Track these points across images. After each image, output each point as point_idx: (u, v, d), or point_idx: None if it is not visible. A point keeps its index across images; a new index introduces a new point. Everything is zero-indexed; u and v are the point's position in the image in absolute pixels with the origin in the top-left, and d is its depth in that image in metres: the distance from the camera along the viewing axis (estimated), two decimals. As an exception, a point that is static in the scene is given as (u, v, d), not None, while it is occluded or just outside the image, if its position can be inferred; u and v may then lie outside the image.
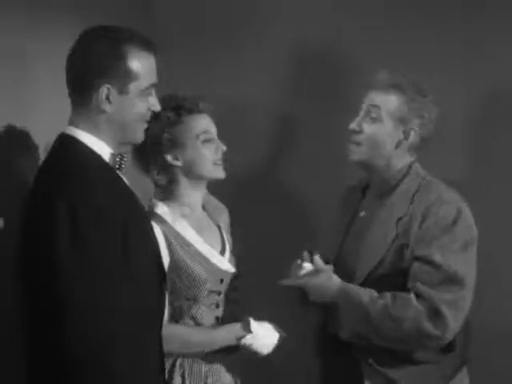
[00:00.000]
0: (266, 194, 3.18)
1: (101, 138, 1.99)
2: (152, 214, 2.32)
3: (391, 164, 2.44)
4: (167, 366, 2.27)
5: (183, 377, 2.32)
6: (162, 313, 2.10)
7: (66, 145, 1.98)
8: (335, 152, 2.82)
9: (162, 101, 2.13)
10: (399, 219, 2.36)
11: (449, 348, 2.33)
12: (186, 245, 2.34)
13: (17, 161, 2.40)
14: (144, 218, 2.08)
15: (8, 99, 2.35)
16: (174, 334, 2.28)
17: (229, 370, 2.39)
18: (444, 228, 2.30)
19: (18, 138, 2.38)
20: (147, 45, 2.00)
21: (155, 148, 2.36)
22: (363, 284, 2.35)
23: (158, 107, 2.06)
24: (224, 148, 2.40)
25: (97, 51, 1.95)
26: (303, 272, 2.39)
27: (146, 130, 2.09)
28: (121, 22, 2.05)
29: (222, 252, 2.43)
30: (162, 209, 2.36)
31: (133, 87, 1.97)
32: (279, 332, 2.39)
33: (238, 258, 2.48)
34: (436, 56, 2.91)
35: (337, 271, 2.40)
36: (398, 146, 2.42)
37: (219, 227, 2.49)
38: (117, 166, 2.01)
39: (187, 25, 3.22)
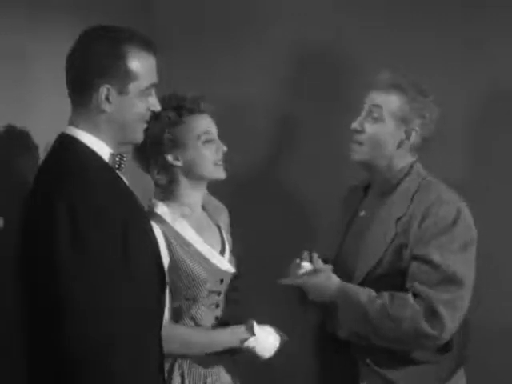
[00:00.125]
0: (266, 194, 3.18)
1: (101, 138, 1.99)
2: (152, 214, 2.32)
3: (393, 164, 2.44)
4: (166, 366, 2.27)
5: (182, 377, 2.32)
6: (161, 313, 2.09)
7: (66, 145, 1.98)
8: (335, 152, 2.83)
9: (162, 101, 2.13)
10: (399, 219, 2.36)
11: (446, 348, 2.33)
12: (186, 245, 2.34)
13: (17, 161, 2.39)
14: (144, 217, 2.08)
15: (8, 99, 2.35)
16: (176, 334, 2.28)
17: (228, 370, 2.39)
18: (443, 228, 2.31)
19: (18, 138, 2.38)
20: (147, 45, 2.00)
21: (156, 148, 2.36)
22: (362, 284, 2.35)
23: (157, 107, 2.06)
24: (225, 148, 2.40)
25: (97, 51, 1.95)
26: (302, 271, 2.40)
27: (146, 130, 2.09)
28: (121, 22, 2.05)
29: (222, 252, 2.43)
30: (161, 209, 2.36)
31: (132, 87, 1.97)
32: (281, 336, 2.39)
33: (238, 258, 2.48)
34: (436, 56, 2.91)
35: (336, 271, 2.40)
36: (399, 146, 2.42)
37: (219, 227, 2.49)
38: (116, 166, 2.01)
39: (187, 25, 3.22)
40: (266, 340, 2.34)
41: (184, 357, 2.31)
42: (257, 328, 2.33)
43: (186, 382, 2.32)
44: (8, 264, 2.05)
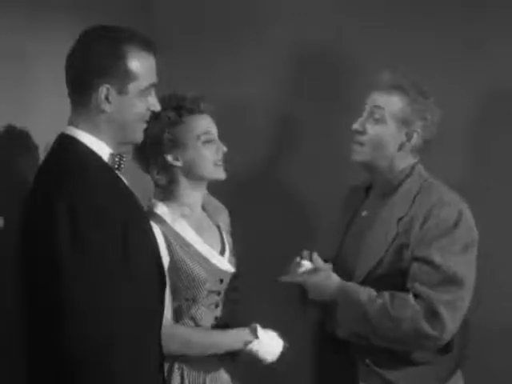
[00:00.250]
0: (266, 194, 3.18)
1: (100, 138, 1.99)
2: (151, 214, 2.32)
3: (394, 165, 2.44)
4: (166, 366, 2.27)
5: (182, 377, 2.32)
6: (161, 313, 2.09)
7: (66, 145, 1.98)
8: (335, 152, 2.83)
9: (162, 101, 2.13)
10: (400, 219, 2.36)
11: (446, 349, 2.33)
12: (186, 245, 2.34)
13: (17, 161, 2.39)
14: (143, 218, 2.08)
15: (8, 99, 2.35)
16: (176, 334, 2.28)
17: (228, 371, 2.39)
18: (445, 230, 2.31)
19: (18, 138, 2.38)
20: (147, 45, 2.00)
21: (155, 148, 2.36)
22: (363, 283, 2.35)
23: (157, 107, 2.06)
24: (225, 149, 2.40)
25: (96, 51, 1.95)
26: (302, 270, 2.40)
27: (146, 130, 2.09)
28: (121, 22, 2.05)
29: (222, 252, 2.43)
30: (161, 209, 2.36)
31: (132, 87, 1.97)
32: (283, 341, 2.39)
33: (238, 258, 2.48)
34: (436, 56, 2.90)
35: (336, 270, 2.40)
36: (400, 148, 2.42)
37: (219, 227, 2.49)
38: (116, 166, 2.01)
39: (187, 25, 3.22)
40: (269, 344, 2.34)
41: (184, 357, 2.31)
42: (261, 331, 2.33)
43: (186, 382, 2.32)
44: (8, 264, 2.05)
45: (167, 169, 2.38)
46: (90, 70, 1.95)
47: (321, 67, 3.10)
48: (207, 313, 2.36)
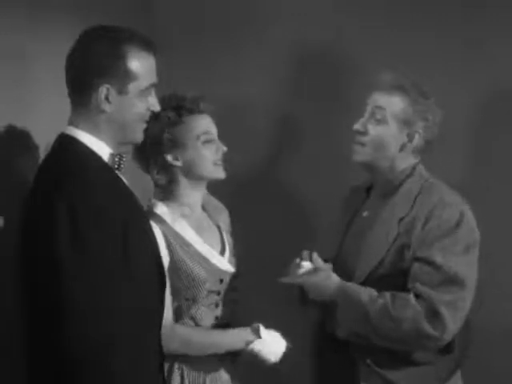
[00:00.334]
0: (266, 194, 3.18)
1: (100, 138, 1.99)
2: (151, 214, 2.32)
3: (395, 165, 2.44)
4: (166, 366, 2.27)
5: (182, 377, 2.32)
6: (161, 313, 2.09)
7: (66, 145, 1.98)
8: (335, 152, 2.83)
9: (162, 101, 2.13)
10: (401, 219, 2.36)
11: (447, 349, 2.33)
12: (186, 245, 2.34)
13: (17, 161, 2.40)
14: (143, 218, 2.08)
15: (8, 99, 2.35)
16: (176, 334, 2.28)
17: (228, 371, 2.39)
18: (447, 231, 2.30)
19: (18, 138, 2.38)
20: (147, 45, 2.00)
21: (155, 148, 2.36)
22: (363, 283, 2.35)
23: (157, 107, 2.06)
24: (224, 148, 2.40)
25: (96, 51, 1.95)
26: (302, 270, 2.39)
27: (146, 130, 2.09)
28: (121, 22, 2.05)
29: (222, 252, 2.43)
30: (161, 209, 2.36)
31: (132, 87, 1.97)
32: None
33: (238, 258, 2.48)
34: (436, 56, 2.90)
35: (336, 270, 2.40)
36: (402, 148, 2.42)
37: (219, 227, 2.49)
38: (116, 166, 2.01)
39: (187, 25, 3.22)
40: (272, 344, 2.33)
41: (184, 357, 2.31)
42: (263, 331, 2.33)
43: (186, 382, 2.32)
44: (8, 264, 2.05)
45: (167, 169, 2.38)
46: (90, 70, 1.95)
47: (321, 67, 3.10)
48: (207, 313, 2.36)
